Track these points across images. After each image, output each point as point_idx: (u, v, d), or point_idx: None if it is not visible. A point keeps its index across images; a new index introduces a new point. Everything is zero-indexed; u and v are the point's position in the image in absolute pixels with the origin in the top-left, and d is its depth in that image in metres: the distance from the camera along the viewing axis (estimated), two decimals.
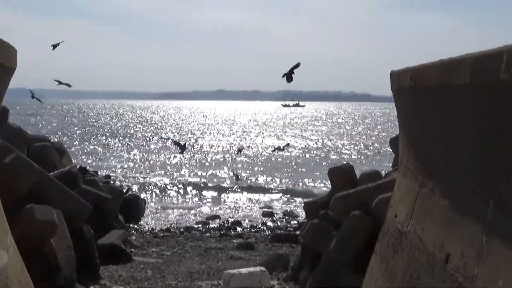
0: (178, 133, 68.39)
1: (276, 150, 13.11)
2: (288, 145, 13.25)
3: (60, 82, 12.44)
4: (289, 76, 9.81)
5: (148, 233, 16.88)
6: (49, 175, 10.53)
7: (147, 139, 58.56)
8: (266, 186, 28.91)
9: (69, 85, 12.52)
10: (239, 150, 29.38)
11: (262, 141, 57.26)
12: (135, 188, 26.16)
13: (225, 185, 28.95)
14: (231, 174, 31.30)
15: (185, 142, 14.25)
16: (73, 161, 16.85)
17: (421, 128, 4.12)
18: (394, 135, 12.59)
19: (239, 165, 37.44)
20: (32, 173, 9.73)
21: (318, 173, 32.98)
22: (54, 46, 11.39)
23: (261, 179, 31.08)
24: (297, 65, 9.92)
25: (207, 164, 37.82)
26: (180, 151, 13.69)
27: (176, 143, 13.91)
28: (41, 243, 8.47)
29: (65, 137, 55.54)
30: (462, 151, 3.29)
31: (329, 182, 11.72)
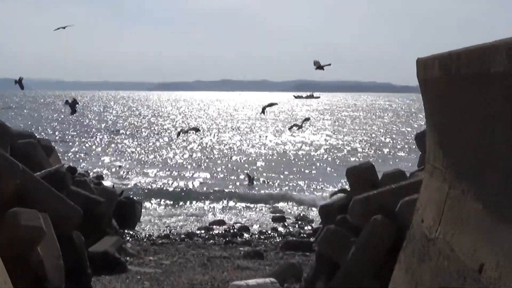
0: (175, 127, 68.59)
1: (294, 128, 13.11)
2: (308, 119, 13.27)
3: (71, 105, 12.49)
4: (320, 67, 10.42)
5: (145, 240, 16.94)
6: (34, 175, 10.57)
7: (142, 135, 58.67)
8: (276, 187, 28.93)
9: (74, 106, 12.56)
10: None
11: (266, 137, 57.29)
12: (129, 189, 26.23)
13: (230, 186, 28.98)
14: (242, 175, 31.35)
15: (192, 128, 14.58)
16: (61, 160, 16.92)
17: (451, 121, 4.10)
18: (420, 130, 12.57)
19: (245, 165, 37.46)
20: (16, 174, 9.76)
21: (335, 173, 32.95)
22: (59, 28, 11.40)
23: (271, 180, 31.09)
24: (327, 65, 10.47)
25: (210, 163, 37.86)
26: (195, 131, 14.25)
27: (190, 130, 14.22)
28: (27, 250, 8.51)
29: (43, 134, 55.72)
30: (499, 148, 3.27)
31: (347, 183, 11.70)
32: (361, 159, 37.91)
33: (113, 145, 48.48)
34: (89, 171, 23.31)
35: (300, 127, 13.26)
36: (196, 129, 14.87)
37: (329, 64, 10.43)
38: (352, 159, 39.78)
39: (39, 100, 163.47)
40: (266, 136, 58.14)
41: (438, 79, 4.20)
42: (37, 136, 15.69)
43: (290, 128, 14.02)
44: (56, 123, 73.28)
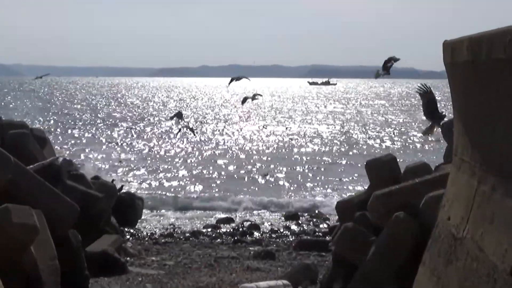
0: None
1: (248, 100, 13.16)
2: (258, 95, 13.30)
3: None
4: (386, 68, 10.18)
5: (146, 238, 17.01)
6: (27, 168, 10.63)
7: (140, 127, 58.77)
8: (288, 182, 28.96)
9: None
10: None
11: (267, 128, 57.35)
12: (130, 184, 26.34)
13: (239, 181, 29.03)
14: (252, 170, 31.44)
15: (189, 126, 14.61)
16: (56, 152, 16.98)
17: (482, 110, 4.09)
18: (446, 119, 12.50)
19: (253, 158, 37.48)
20: (7, 167, 9.81)
21: (353, 167, 32.94)
22: None
23: (282, 175, 31.13)
24: (394, 60, 10.23)
25: (216, 156, 37.94)
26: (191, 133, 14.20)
27: (185, 127, 14.26)
28: (19, 250, 8.56)
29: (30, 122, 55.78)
30: None
31: (367, 178, 11.70)
32: (381, 151, 37.88)
33: (110, 137, 48.61)
34: (85, 164, 23.39)
35: (253, 98, 13.29)
36: (191, 129, 14.89)
37: (388, 73, 10.33)
38: (372, 151, 39.73)
39: (24, 87, 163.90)
40: (267, 127, 58.15)
41: (467, 64, 4.19)
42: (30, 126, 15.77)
43: (242, 102, 14.04)
44: (39, 114, 73.30)
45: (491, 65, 3.72)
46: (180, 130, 15.14)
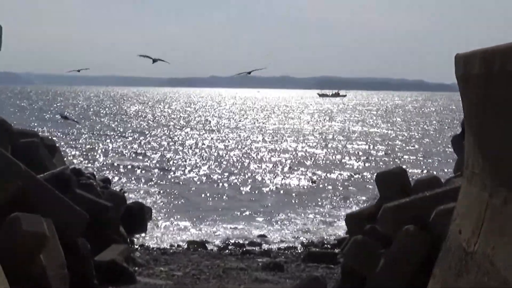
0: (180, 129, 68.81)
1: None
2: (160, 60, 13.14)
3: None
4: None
5: (155, 248, 17.01)
6: (37, 177, 10.67)
7: (152, 135, 58.96)
8: (297, 192, 28.91)
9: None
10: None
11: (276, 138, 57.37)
12: (138, 194, 26.36)
13: (246, 190, 29.02)
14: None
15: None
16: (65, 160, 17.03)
17: (494, 123, 4.09)
18: (456, 132, 12.53)
19: (263, 166, 37.50)
20: (18, 175, 9.86)
21: (363, 179, 32.86)
22: None
23: (292, 183, 31.11)
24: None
25: (222, 166, 37.95)
26: None
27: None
28: (28, 258, 8.59)
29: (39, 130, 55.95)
30: None
31: (377, 190, 11.70)
32: (392, 163, 37.81)
33: (119, 146, 48.74)
34: (95, 174, 23.44)
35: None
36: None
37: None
38: (382, 162, 39.66)
39: (25, 94, 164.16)
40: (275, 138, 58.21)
41: (479, 77, 4.19)
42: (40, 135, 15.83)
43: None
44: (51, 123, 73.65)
45: (504, 77, 3.73)
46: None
